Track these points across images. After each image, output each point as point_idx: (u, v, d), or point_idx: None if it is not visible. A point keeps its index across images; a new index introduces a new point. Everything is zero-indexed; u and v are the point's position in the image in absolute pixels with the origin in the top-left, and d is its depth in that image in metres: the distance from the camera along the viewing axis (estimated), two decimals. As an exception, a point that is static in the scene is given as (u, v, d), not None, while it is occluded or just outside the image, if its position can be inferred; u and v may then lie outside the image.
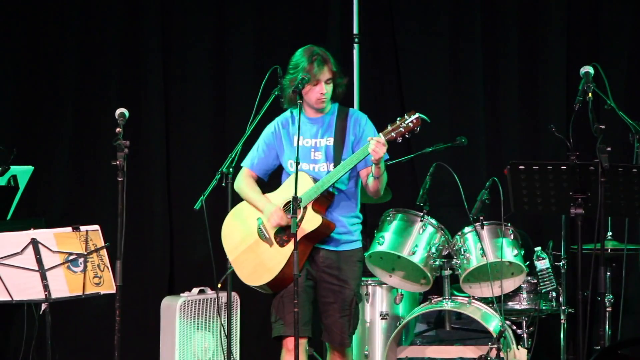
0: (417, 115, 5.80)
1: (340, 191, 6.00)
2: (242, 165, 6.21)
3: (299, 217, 5.88)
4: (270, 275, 5.96)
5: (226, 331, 7.21)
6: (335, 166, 5.95)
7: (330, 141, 6.01)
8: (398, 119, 5.82)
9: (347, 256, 6.03)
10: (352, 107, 7.78)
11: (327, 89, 5.98)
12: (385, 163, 5.89)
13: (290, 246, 5.88)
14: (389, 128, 5.82)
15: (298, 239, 5.81)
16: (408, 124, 5.79)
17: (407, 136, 5.82)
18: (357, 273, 6.06)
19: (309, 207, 5.92)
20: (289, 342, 5.92)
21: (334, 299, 5.99)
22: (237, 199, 6.40)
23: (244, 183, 6.15)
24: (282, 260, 5.93)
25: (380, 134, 5.82)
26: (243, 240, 6.08)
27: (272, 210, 5.97)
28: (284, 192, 6.00)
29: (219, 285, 6.63)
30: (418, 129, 5.82)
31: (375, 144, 5.73)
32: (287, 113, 6.14)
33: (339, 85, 6.04)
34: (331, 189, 5.94)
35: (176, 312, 7.38)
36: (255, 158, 6.15)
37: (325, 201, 5.95)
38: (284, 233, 5.95)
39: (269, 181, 6.23)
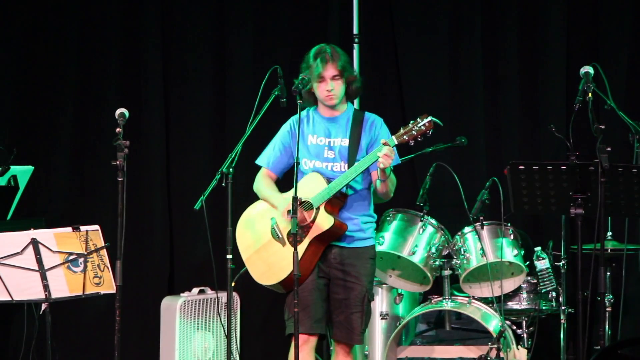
0: (429, 118, 5.82)
1: (354, 191, 6.02)
2: (258, 163, 6.25)
3: (311, 217, 5.92)
4: (283, 275, 5.97)
5: (226, 331, 7.21)
6: (349, 166, 5.97)
7: (346, 142, 6.03)
8: (411, 122, 5.85)
9: (359, 253, 6.03)
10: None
11: (332, 86, 6.00)
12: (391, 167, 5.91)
13: (302, 247, 5.90)
14: (402, 131, 5.85)
15: (310, 240, 5.90)
16: (420, 127, 5.82)
17: (419, 139, 5.84)
18: (369, 270, 6.06)
19: (322, 208, 5.94)
20: (300, 339, 5.93)
21: (345, 295, 5.99)
22: (239, 198, 6.41)
23: (263, 183, 6.19)
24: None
25: (393, 137, 5.85)
26: (257, 240, 6.11)
27: (287, 205, 5.96)
28: (298, 191, 5.97)
29: (233, 284, 6.66)
30: (430, 132, 5.83)
31: (384, 156, 5.75)
32: (304, 112, 6.17)
33: (351, 83, 6.05)
34: (344, 190, 5.96)
35: (176, 312, 7.38)
36: (272, 157, 6.19)
37: (338, 202, 5.97)
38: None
39: (284, 179, 6.24)
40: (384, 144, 5.79)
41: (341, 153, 6.03)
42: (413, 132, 5.83)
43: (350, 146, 6.02)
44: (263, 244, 6.09)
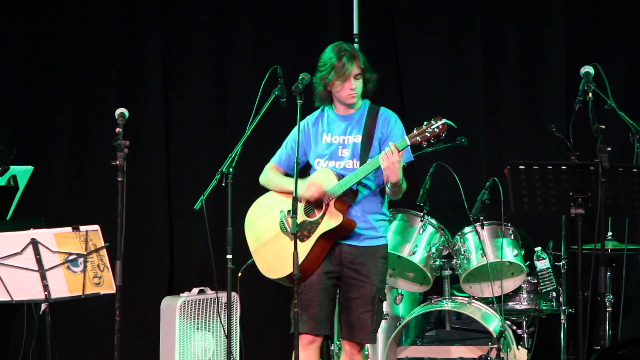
0: (443, 121, 5.79)
1: (367, 188, 6.00)
2: (270, 160, 6.24)
3: (320, 213, 5.92)
4: (289, 270, 5.90)
5: (226, 331, 7.20)
6: (361, 163, 5.95)
7: (359, 138, 6.01)
8: (424, 123, 5.81)
9: (370, 252, 6.00)
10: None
11: (356, 85, 5.99)
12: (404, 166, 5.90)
13: (309, 243, 5.91)
14: (415, 132, 5.81)
15: (318, 236, 5.89)
16: (434, 129, 5.79)
17: (432, 141, 5.81)
18: (380, 269, 6.02)
19: (332, 204, 5.92)
20: (303, 339, 5.93)
21: (356, 294, 5.96)
22: (239, 198, 6.40)
23: (271, 174, 6.19)
24: (302, 255, 5.89)
25: (406, 137, 5.81)
26: (265, 232, 6.10)
27: (305, 184, 5.93)
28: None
29: (240, 274, 6.69)
30: (444, 135, 5.81)
31: (383, 155, 5.74)
32: (319, 110, 6.17)
33: (369, 81, 6.04)
34: (355, 187, 5.94)
35: (176, 312, 7.37)
36: (283, 155, 6.20)
37: (348, 199, 5.95)
38: (304, 228, 5.94)
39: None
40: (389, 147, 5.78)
41: (354, 150, 6.01)
42: (426, 133, 5.79)
43: (363, 142, 5.99)
44: (271, 236, 6.08)
